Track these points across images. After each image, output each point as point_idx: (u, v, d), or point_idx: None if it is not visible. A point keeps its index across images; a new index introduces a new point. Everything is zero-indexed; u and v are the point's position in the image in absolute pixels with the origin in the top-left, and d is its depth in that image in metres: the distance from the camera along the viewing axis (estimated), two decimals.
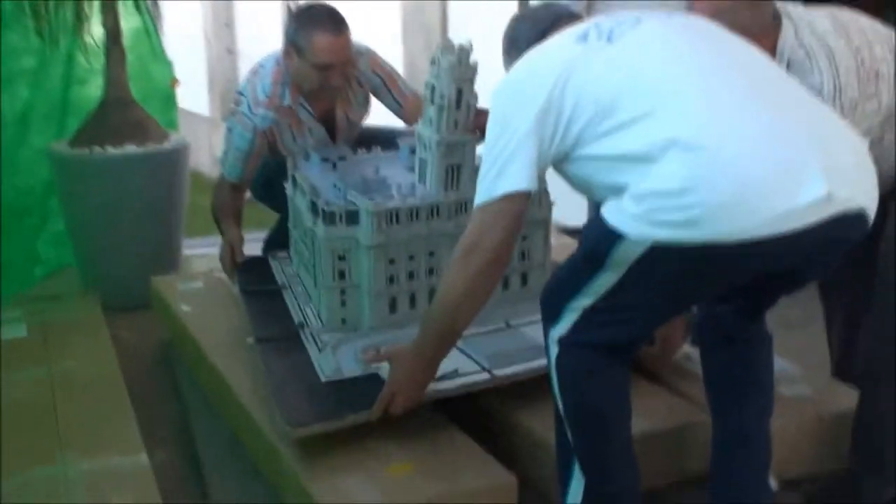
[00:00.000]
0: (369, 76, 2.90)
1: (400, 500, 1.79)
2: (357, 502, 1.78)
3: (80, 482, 2.01)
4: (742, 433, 1.82)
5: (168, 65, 4.03)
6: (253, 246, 3.14)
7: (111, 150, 3.30)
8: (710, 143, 1.50)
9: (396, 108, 2.96)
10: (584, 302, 1.65)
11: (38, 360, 2.66)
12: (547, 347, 1.73)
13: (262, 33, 6.77)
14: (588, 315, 1.65)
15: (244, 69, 7.34)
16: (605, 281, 1.61)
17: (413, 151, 2.50)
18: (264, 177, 2.93)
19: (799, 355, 2.36)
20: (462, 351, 2.14)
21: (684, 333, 2.28)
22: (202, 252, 4.16)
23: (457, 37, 2.33)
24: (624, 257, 1.56)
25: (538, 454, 2.00)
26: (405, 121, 2.98)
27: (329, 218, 2.28)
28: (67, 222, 3.54)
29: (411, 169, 2.51)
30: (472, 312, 1.80)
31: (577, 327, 1.66)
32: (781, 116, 1.56)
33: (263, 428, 2.06)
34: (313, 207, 2.35)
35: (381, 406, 1.94)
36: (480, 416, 2.10)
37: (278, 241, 3.18)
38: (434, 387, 1.99)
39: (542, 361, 2.10)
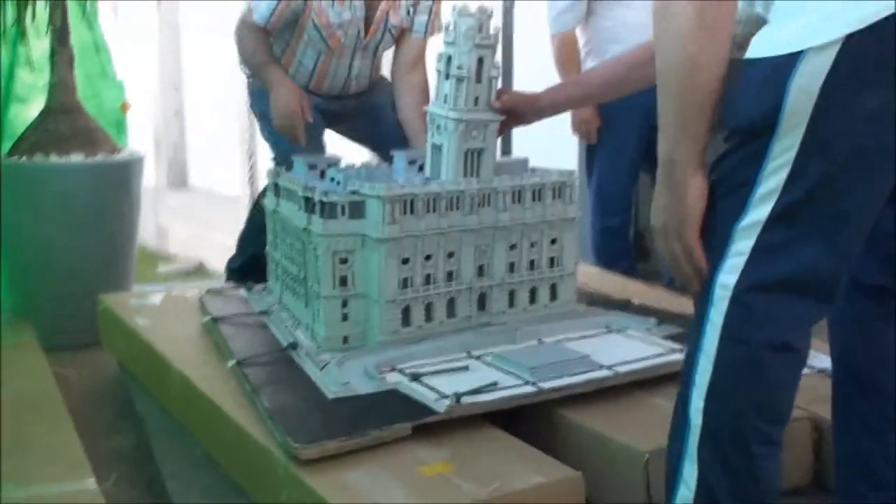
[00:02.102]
0: (421, 10, 2.67)
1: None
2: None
3: None
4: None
5: (119, 87, 3.64)
6: None
7: (55, 160, 2.88)
8: None
9: (399, 56, 2.73)
10: (754, 217, 1.16)
11: None
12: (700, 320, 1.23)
13: (211, 97, 6.47)
14: (760, 242, 1.16)
15: (191, 133, 7.09)
16: (779, 161, 1.13)
17: (411, 162, 2.17)
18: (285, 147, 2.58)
19: None
20: (496, 367, 1.81)
21: None
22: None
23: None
24: (803, 96, 1.10)
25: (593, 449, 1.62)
26: (393, 77, 2.75)
27: (329, 210, 1.90)
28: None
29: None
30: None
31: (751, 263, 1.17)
32: None
33: (256, 438, 1.63)
34: (306, 203, 1.98)
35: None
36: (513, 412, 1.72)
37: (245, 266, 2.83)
38: (473, 399, 1.65)
39: (593, 374, 1.77)
